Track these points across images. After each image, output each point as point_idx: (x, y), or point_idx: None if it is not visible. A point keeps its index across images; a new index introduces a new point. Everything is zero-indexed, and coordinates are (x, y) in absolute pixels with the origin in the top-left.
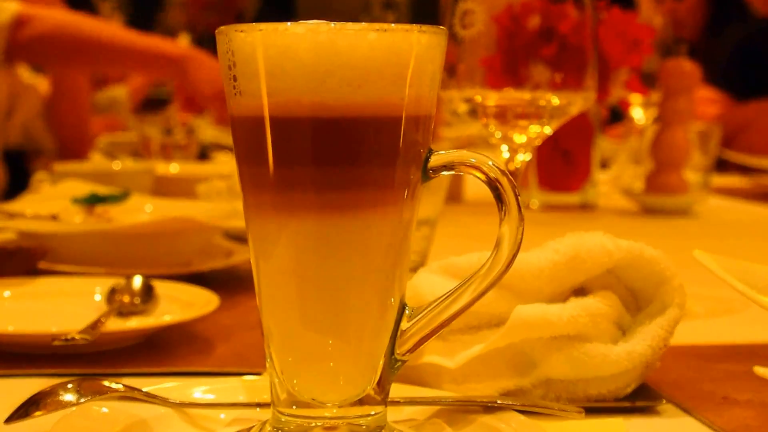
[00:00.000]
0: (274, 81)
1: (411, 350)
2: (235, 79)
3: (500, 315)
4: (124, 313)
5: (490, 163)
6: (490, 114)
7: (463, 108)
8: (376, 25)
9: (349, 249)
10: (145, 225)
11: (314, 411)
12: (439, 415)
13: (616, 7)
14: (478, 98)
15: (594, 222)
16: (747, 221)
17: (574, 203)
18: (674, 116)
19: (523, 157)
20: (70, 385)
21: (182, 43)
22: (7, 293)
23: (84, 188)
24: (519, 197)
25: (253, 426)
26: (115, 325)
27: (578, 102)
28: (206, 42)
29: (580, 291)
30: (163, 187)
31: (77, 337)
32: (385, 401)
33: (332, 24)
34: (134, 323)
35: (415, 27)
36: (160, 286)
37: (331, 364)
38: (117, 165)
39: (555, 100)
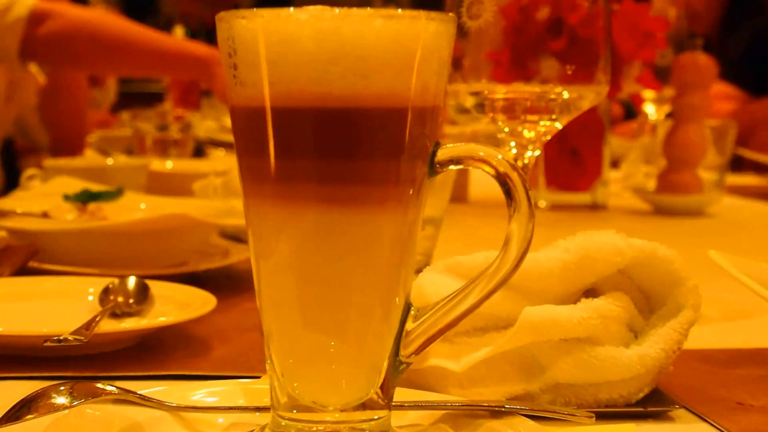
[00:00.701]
0: (276, 70)
1: (416, 352)
2: (235, 68)
3: (508, 317)
4: (118, 314)
5: (500, 156)
6: (498, 108)
7: (470, 102)
8: (383, 12)
9: (353, 246)
10: (140, 223)
11: (315, 415)
12: (445, 420)
13: None
14: (486, 91)
15: (604, 223)
16: (763, 221)
17: (584, 203)
18: (688, 112)
19: (533, 153)
20: (62, 388)
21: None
22: None
23: (76, 185)
24: (529, 192)
25: (253, 430)
26: (108, 326)
27: (590, 96)
28: (201, 35)
29: (591, 292)
30: (158, 184)
31: (70, 338)
32: (389, 405)
33: (336, 10)
34: (128, 324)
35: (423, 14)
36: (156, 287)
37: (334, 366)
38: (110, 161)
39: (565, 94)
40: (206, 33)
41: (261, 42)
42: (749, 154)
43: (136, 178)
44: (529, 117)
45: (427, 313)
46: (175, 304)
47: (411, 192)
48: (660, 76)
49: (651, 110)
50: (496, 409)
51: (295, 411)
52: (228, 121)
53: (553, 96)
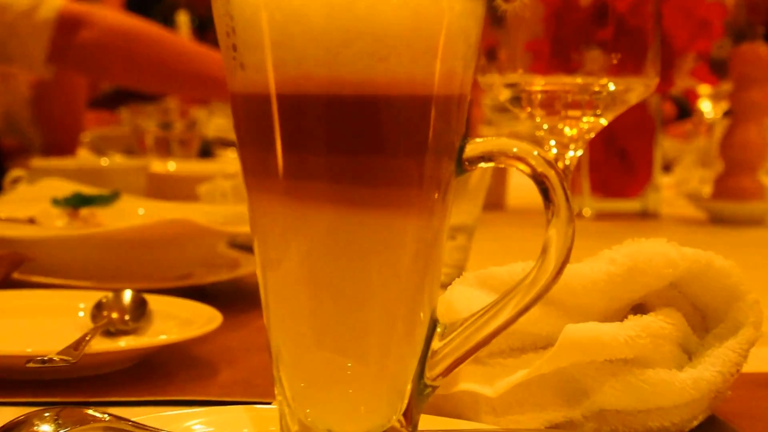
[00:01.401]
0: (281, 51)
1: (443, 374)
2: (234, 49)
3: (547, 335)
4: (111, 332)
5: (536, 153)
6: (536, 102)
7: (505, 95)
8: None
9: (370, 254)
10: (138, 231)
11: None
12: None
13: None
14: (523, 84)
15: (655, 232)
16: None
17: (633, 211)
18: (748, 110)
19: (574, 153)
20: (47, 414)
21: (182, 24)
22: None
23: (67, 188)
24: (569, 194)
25: None
26: (101, 345)
27: (638, 88)
28: (208, 24)
29: (640, 308)
30: (159, 188)
31: (56, 359)
32: None
33: None
34: (123, 344)
35: None
36: (155, 302)
37: (350, 390)
38: (105, 161)
39: (611, 86)
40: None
41: (264, 19)
42: None
43: (135, 181)
44: (571, 112)
45: (456, 330)
46: (176, 321)
47: (436, 193)
48: (716, 69)
49: (706, 108)
50: None
51: None
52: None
53: (597, 88)
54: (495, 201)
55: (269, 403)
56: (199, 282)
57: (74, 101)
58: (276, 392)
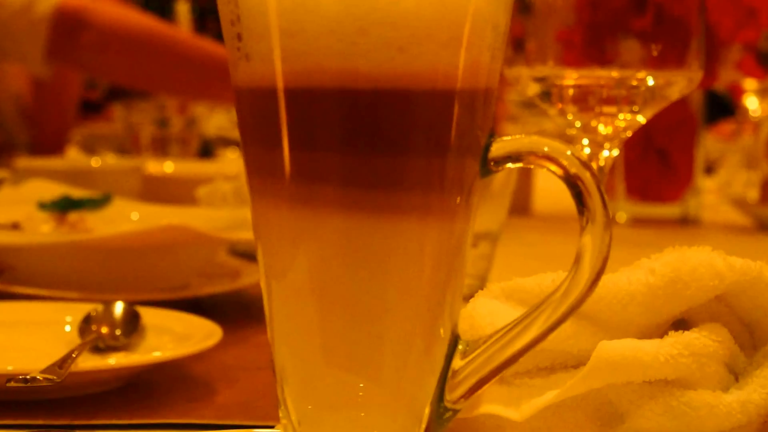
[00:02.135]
0: (291, 41)
1: (465, 397)
2: (239, 38)
3: (579, 353)
4: (101, 347)
5: (569, 153)
6: (567, 98)
7: (533, 89)
8: None
9: (386, 264)
10: (130, 237)
11: None
12: None
13: None
14: (553, 77)
15: (697, 240)
16: None
17: (671, 216)
18: None
19: (609, 153)
20: None
21: (181, 13)
22: None
23: (54, 190)
24: (606, 198)
25: None
26: (89, 363)
27: (680, 83)
28: (209, 13)
29: (682, 323)
30: (155, 190)
31: (39, 377)
32: None
33: None
34: (114, 361)
35: None
36: (148, 315)
37: (363, 413)
38: (96, 161)
39: (650, 80)
40: (214, 10)
41: (272, 5)
42: None
43: (128, 183)
44: (606, 108)
45: (479, 347)
46: (171, 337)
47: (459, 196)
48: (764, 62)
49: (753, 104)
50: None
51: None
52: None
53: (635, 83)
54: (520, 204)
55: (272, 427)
56: (197, 293)
57: (67, 97)
58: (280, 415)
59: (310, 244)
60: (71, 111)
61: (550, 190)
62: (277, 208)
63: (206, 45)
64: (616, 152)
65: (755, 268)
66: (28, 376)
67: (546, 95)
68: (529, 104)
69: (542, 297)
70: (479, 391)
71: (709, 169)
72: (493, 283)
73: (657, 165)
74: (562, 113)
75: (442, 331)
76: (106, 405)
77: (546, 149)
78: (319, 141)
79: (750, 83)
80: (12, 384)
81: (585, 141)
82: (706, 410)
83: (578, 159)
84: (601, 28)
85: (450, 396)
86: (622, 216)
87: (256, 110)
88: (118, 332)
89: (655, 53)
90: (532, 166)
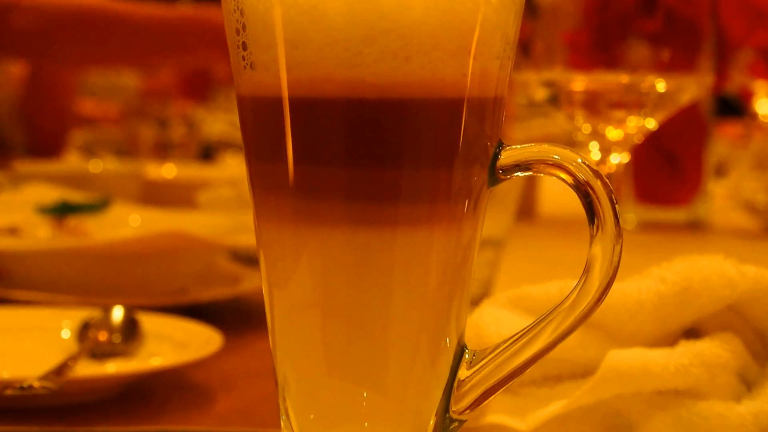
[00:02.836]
0: (296, 50)
1: (471, 407)
2: (244, 47)
3: (587, 362)
4: (99, 354)
5: (580, 160)
6: (576, 102)
7: (541, 94)
8: None
9: (391, 275)
10: (129, 243)
11: None
12: None
13: None
14: (562, 81)
15: (707, 245)
16: None
17: (680, 221)
18: None
19: (619, 158)
20: None
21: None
22: None
23: (52, 194)
24: (617, 207)
25: None
26: (86, 370)
27: (691, 87)
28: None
29: (693, 332)
30: (155, 195)
31: (37, 385)
32: None
33: None
34: (112, 368)
35: None
36: (147, 321)
37: (366, 423)
38: (96, 165)
39: (660, 85)
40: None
41: (278, 15)
42: None
43: (127, 187)
44: (615, 113)
45: (486, 357)
46: (170, 343)
47: (466, 206)
48: None
49: (764, 108)
50: None
51: None
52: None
53: (644, 87)
54: (525, 209)
55: None
56: (197, 299)
57: (63, 97)
58: (282, 425)
59: (314, 255)
60: (68, 110)
61: (555, 194)
62: (280, 221)
63: (151, 10)
64: (625, 157)
65: None
66: (24, 384)
67: (554, 100)
68: (534, 106)
69: (549, 305)
70: (486, 402)
71: (720, 172)
72: (499, 291)
73: (666, 168)
74: (571, 117)
75: (447, 340)
76: (104, 412)
77: (556, 157)
78: (323, 151)
79: (761, 86)
80: (9, 391)
81: (594, 146)
82: (718, 421)
83: (589, 167)
84: (610, 30)
85: (456, 407)
86: (630, 220)
87: (260, 120)
88: (116, 339)
89: (665, 56)
90: (541, 175)
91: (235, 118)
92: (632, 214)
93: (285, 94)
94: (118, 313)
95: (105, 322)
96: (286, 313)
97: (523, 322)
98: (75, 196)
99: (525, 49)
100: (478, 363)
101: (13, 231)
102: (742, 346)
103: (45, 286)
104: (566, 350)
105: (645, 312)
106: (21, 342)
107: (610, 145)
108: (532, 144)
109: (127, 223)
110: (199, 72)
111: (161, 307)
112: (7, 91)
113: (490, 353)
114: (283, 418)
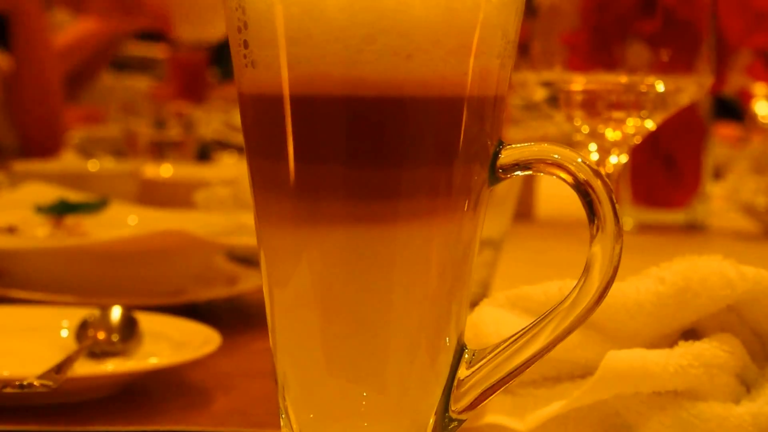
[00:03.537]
0: (297, 48)
1: (470, 407)
2: (246, 45)
3: (586, 363)
4: (97, 353)
5: (580, 160)
6: (575, 103)
7: (540, 95)
8: None
9: (391, 273)
10: (127, 242)
11: None
12: None
13: None
14: (560, 82)
15: (705, 247)
16: None
17: (679, 223)
18: None
19: (618, 159)
20: None
21: None
22: None
23: (50, 193)
24: (617, 207)
25: None
26: (85, 368)
27: (690, 88)
28: None
29: (692, 333)
30: (152, 194)
31: (36, 383)
32: None
33: None
34: (110, 367)
35: None
36: (145, 320)
37: (366, 423)
38: (93, 165)
39: (660, 86)
40: None
41: (279, 13)
42: None
43: (125, 186)
44: (614, 114)
45: (485, 357)
46: (168, 343)
47: (466, 205)
48: None
49: (762, 109)
50: None
51: None
52: (240, 118)
53: (644, 88)
54: (523, 210)
55: None
56: (195, 299)
57: (48, 94)
58: (281, 424)
59: (315, 254)
60: (57, 107)
61: (553, 195)
62: (280, 219)
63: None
64: (624, 158)
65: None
66: (24, 382)
67: (553, 101)
68: (531, 108)
69: (548, 305)
70: (485, 402)
71: (718, 174)
72: (498, 291)
73: (664, 170)
74: (569, 118)
75: (447, 340)
76: (102, 411)
77: (556, 156)
78: (324, 149)
79: (760, 88)
80: (8, 390)
81: (592, 147)
82: (717, 422)
83: (589, 166)
84: (609, 31)
85: (455, 406)
86: (628, 222)
87: (260, 117)
88: (114, 338)
89: (664, 57)
90: (541, 174)
91: (231, 119)
92: (629, 216)
93: (286, 92)
94: (116, 313)
95: (104, 322)
96: (286, 311)
97: (522, 322)
98: (73, 196)
99: (523, 49)
100: (478, 362)
101: (11, 230)
102: (741, 347)
103: (43, 285)
104: (565, 350)
105: (644, 312)
106: (20, 341)
107: (609, 146)
108: (532, 143)
109: (125, 223)
110: (197, 72)
111: (159, 307)
112: None
113: (489, 353)
114: (283, 416)
